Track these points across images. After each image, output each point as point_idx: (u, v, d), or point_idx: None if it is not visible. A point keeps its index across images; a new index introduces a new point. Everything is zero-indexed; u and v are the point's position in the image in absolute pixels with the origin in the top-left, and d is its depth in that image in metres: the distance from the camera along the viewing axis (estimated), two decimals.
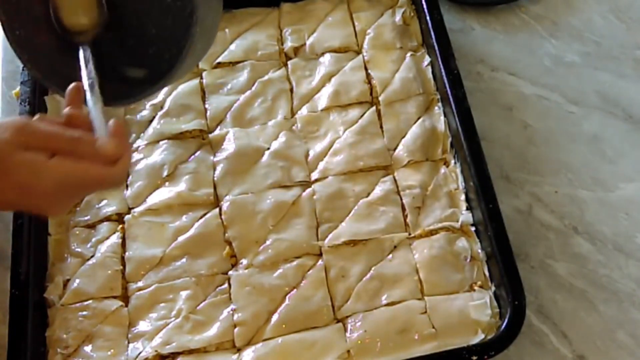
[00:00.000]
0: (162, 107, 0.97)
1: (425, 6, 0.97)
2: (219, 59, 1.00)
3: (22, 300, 0.81)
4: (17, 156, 0.60)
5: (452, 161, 0.90)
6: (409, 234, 0.86)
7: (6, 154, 0.60)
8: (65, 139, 0.63)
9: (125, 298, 0.85)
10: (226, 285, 0.85)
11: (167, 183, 0.92)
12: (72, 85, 0.67)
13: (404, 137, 0.93)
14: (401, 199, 0.88)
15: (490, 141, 0.94)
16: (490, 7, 1.07)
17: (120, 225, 0.89)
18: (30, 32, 0.72)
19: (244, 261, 0.86)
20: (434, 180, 0.89)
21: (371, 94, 0.97)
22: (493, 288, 0.82)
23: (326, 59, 0.99)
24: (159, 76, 0.72)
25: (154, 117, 0.97)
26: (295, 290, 0.83)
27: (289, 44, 1.01)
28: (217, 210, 0.89)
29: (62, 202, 0.65)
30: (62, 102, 0.96)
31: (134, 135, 0.96)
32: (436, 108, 0.94)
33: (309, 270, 0.85)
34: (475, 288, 0.82)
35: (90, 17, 0.71)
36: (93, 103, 0.66)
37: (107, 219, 0.90)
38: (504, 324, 0.77)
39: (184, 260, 0.86)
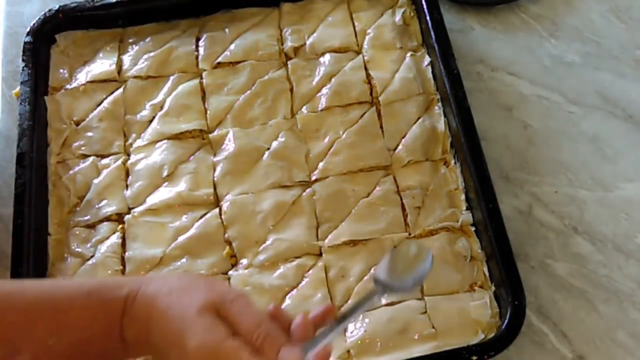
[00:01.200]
0: (162, 107, 0.97)
1: (425, 6, 0.97)
2: (219, 59, 1.00)
3: None
4: (200, 319, 0.55)
5: (452, 161, 0.90)
6: (409, 234, 0.86)
7: (190, 315, 0.55)
8: (253, 327, 0.56)
9: None
10: None
11: (167, 183, 0.92)
12: (326, 310, 0.62)
13: (404, 137, 0.93)
14: (401, 199, 0.88)
15: (490, 141, 0.94)
16: (490, 7, 1.07)
17: (120, 225, 0.89)
18: None
19: (244, 261, 0.86)
20: (434, 180, 0.89)
21: (371, 94, 0.96)
22: (493, 288, 0.82)
23: (326, 59, 0.99)
24: None
25: (154, 117, 0.97)
26: (295, 290, 0.83)
27: (289, 44, 1.01)
28: (217, 210, 0.89)
29: None
30: (62, 103, 0.97)
31: (134, 135, 0.96)
32: (436, 108, 0.94)
33: (309, 270, 0.85)
34: (475, 288, 0.82)
35: None
36: (334, 329, 0.60)
37: (107, 219, 0.90)
38: (504, 324, 0.77)
39: (184, 260, 0.86)
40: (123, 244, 0.88)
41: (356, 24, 1.02)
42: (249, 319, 0.57)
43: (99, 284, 0.62)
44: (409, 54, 0.99)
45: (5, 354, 0.55)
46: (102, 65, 1.00)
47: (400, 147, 0.92)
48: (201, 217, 0.89)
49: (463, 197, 0.88)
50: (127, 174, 0.93)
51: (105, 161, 0.94)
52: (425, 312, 0.81)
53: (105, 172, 0.93)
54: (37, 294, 0.58)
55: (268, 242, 0.86)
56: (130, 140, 0.95)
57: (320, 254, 0.86)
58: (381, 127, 0.94)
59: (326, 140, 0.93)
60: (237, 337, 0.55)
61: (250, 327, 0.56)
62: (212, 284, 0.60)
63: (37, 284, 0.64)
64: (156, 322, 0.56)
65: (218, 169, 0.92)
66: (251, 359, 0.54)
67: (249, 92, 0.97)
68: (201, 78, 0.99)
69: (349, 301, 0.82)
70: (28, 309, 0.56)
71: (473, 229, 0.86)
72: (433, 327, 0.79)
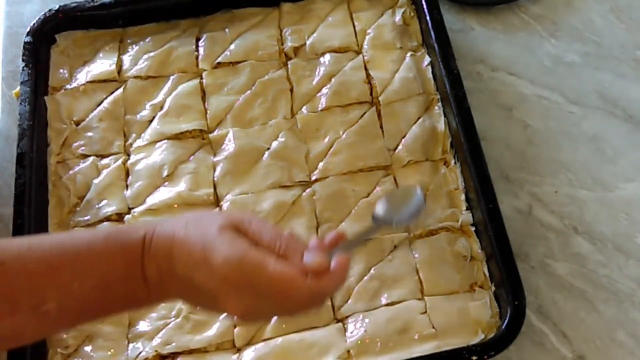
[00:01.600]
0: (162, 107, 0.97)
1: (425, 6, 0.97)
2: (219, 59, 1.00)
3: None
4: (221, 236, 0.57)
5: (452, 161, 0.90)
6: (409, 234, 0.86)
7: (212, 235, 0.57)
8: (274, 239, 0.59)
9: None
10: None
11: (167, 183, 0.92)
12: (338, 235, 0.63)
13: (404, 137, 0.93)
14: None
15: (490, 141, 0.94)
16: (490, 7, 1.07)
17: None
18: None
19: None
20: (434, 180, 0.89)
21: (371, 94, 0.96)
22: (493, 288, 0.82)
23: (326, 59, 0.99)
24: None
25: (154, 117, 0.97)
26: None
27: (289, 44, 1.01)
28: (217, 210, 0.89)
29: (239, 295, 0.57)
30: (62, 103, 0.97)
31: (134, 135, 0.96)
32: (436, 108, 0.94)
33: None
34: (475, 288, 0.82)
35: None
36: (348, 248, 0.63)
37: (107, 219, 0.90)
38: (504, 324, 0.77)
39: None
40: None
41: (356, 24, 1.02)
42: (269, 232, 0.59)
43: (114, 229, 0.65)
44: (409, 54, 0.99)
45: (32, 305, 0.56)
46: (102, 65, 1.00)
47: (400, 147, 0.92)
48: None
49: (463, 197, 0.88)
50: (127, 174, 0.93)
51: (105, 161, 0.94)
52: (425, 312, 0.81)
53: (105, 172, 0.93)
54: (55, 243, 0.59)
55: None
56: (130, 140, 0.95)
57: None
58: (381, 127, 0.94)
59: (326, 140, 0.93)
60: (260, 247, 0.57)
61: (271, 239, 0.59)
62: (227, 212, 0.62)
63: (54, 235, 0.66)
64: (178, 251, 0.58)
65: (218, 169, 0.92)
66: (277, 264, 0.56)
67: (249, 92, 0.97)
68: (201, 78, 0.99)
69: (349, 301, 0.82)
70: (48, 258, 0.57)
71: (473, 229, 0.86)
72: (433, 327, 0.79)
